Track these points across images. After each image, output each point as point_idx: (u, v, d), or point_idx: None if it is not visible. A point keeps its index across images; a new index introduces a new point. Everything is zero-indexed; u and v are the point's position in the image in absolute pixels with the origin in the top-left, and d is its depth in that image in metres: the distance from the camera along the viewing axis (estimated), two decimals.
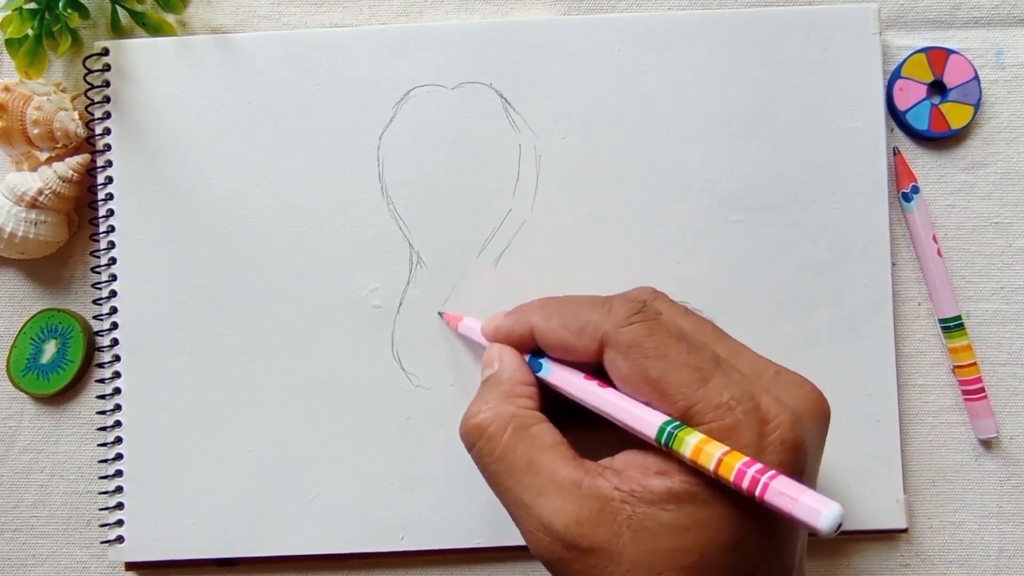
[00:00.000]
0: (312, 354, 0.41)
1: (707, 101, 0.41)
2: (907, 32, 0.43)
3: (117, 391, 0.41)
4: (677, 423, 0.29)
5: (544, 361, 0.35)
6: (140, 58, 0.42)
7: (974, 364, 0.42)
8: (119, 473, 0.41)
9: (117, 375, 0.41)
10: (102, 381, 0.42)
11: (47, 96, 0.41)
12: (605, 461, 0.31)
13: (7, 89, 0.41)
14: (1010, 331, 0.43)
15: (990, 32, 0.43)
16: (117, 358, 0.41)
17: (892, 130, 0.43)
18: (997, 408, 0.42)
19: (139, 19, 0.42)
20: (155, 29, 0.42)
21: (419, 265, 0.41)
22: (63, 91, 0.42)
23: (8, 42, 0.41)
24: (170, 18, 0.43)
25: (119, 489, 0.41)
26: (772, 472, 0.27)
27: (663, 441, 0.29)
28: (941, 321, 0.42)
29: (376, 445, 0.41)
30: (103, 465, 0.42)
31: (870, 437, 0.41)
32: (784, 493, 0.26)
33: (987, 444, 0.42)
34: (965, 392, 0.42)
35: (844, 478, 0.41)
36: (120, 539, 0.41)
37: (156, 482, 0.41)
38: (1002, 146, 0.43)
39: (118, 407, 0.41)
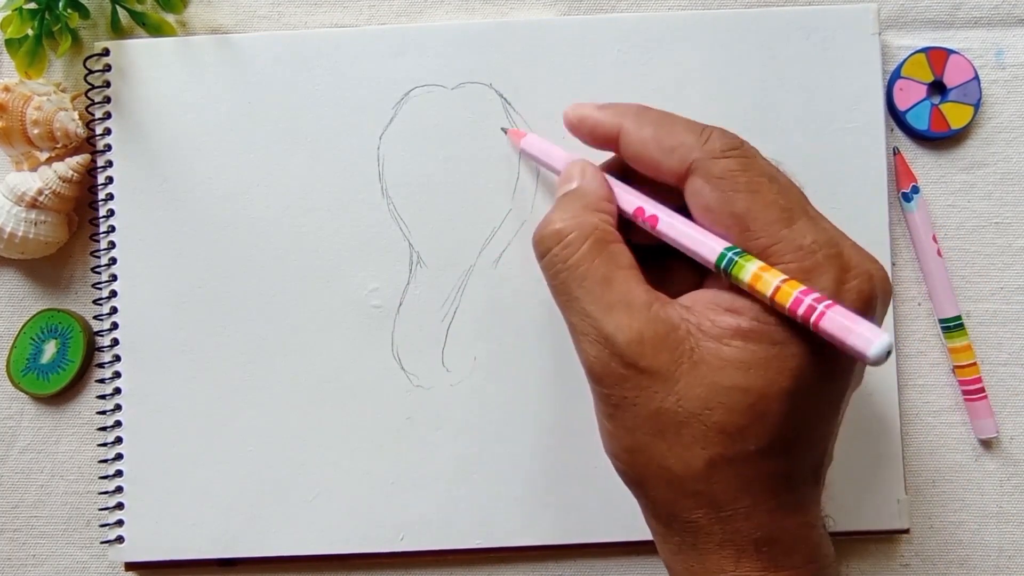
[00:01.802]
0: (312, 354, 0.41)
1: (707, 101, 0.41)
2: (907, 32, 0.43)
3: (117, 391, 0.41)
4: (739, 251, 0.29)
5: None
6: (140, 58, 0.42)
7: (974, 364, 0.42)
8: (119, 473, 0.41)
9: (117, 375, 0.41)
10: (102, 381, 0.42)
11: (47, 96, 0.41)
12: (679, 299, 0.30)
13: (7, 89, 0.41)
14: (1010, 331, 0.43)
15: (990, 32, 0.43)
16: (117, 358, 0.41)
17: (892, 130, 0.43)
18: (997, 408, 0.42)
19: (139, 19, 0.42)
20: (155, 29, 0.42)
21: (419, 265, 0.41)
22: (63, 91, 0.42)
23: (8, 42, 0.41)
24: (170, 18, 0.43)
25: (119, 489, 0.41)
26: (829, 301, 0.26)
27: (722, 266, 0.29)
28: (941, 321, 0.42)
29: (376, 445, 0.41)
30: (103, 465, 0.42)
31: (870, 437, 0.41)
32: (840, 321, 0.26)
33: (987, 444, 0.42)
34: (965, 392, 0.42)
35: (844, 478, 0.41)
36: (120, 539, 0.41)
37: (156, 482, 0.41)
38: (1002, 146, 0.43)
39: (118, 407, 0.41)
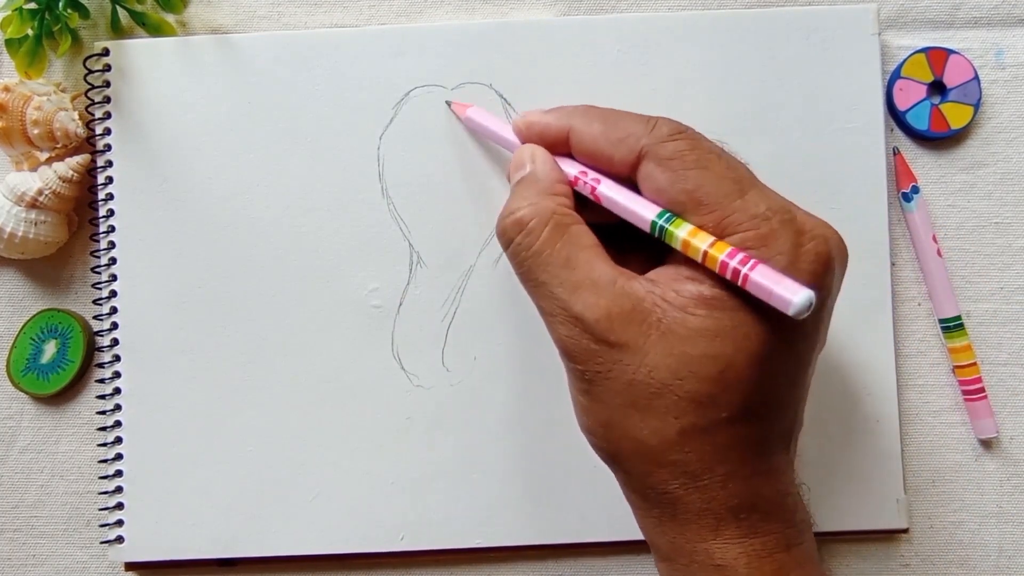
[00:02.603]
0: (312, 354, 0.41)
1: (707, 101, 0.41)
2: (907, 32, 0.43)
3: (117, 391, 0.41)
4: (670, 216, 0.30)
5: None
6: (140, 58, 0.42)
7: (974, 364, 0.42)
8: (119, 473, 0.41)
9: (117, 375, 0.41)
10: (102, 381, 0.42)
11: (47, 96, 0.41)
12: (646, 275, 0.31)
13: (7, 89, 0.41)
14: (1010, 331, 0.43)
15: (990, 32, 0.43)
16: (117, 358, 0.41)
17: (892, 130, 0.43)
18: (997, 408, 0.42)
19: (139, 19, 0.42)
20: (155, 29, 0.42)
21: (419, 265, 0.41)
22: (63, 91, 0.42)
23: (8, 42, 0.41)
24: (170, 18, 0.43)
25: (119, 489, 0.41)
26: (754, 262, 0.28)
27: (656, 232, 0.30)
28: (941, 321, 0.42)
29: (376, 445, 0.41)
30: (103, 465, 0.42)
31: (870, 437, 0.41)
32: (763, 279, 0.27)
33: (987, 444, 0.42)
34: (965, 392, 0.42)
35: (844, 478, 0.41)
36: (120, 539, 0.41)
37: (156, 482, 0.41)
38: (1002, 146, 0.43)
39: (118, 407, 0.41)
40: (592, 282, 0.30)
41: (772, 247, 0.28)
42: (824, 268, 0.29)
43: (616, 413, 0.30)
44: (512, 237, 0.32)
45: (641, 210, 0.31)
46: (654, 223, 0.30)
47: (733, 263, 0.28)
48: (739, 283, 0.28)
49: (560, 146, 0.34)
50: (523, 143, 0.36)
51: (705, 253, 0.29)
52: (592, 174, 0.33)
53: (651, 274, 0.31)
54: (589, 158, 0.33)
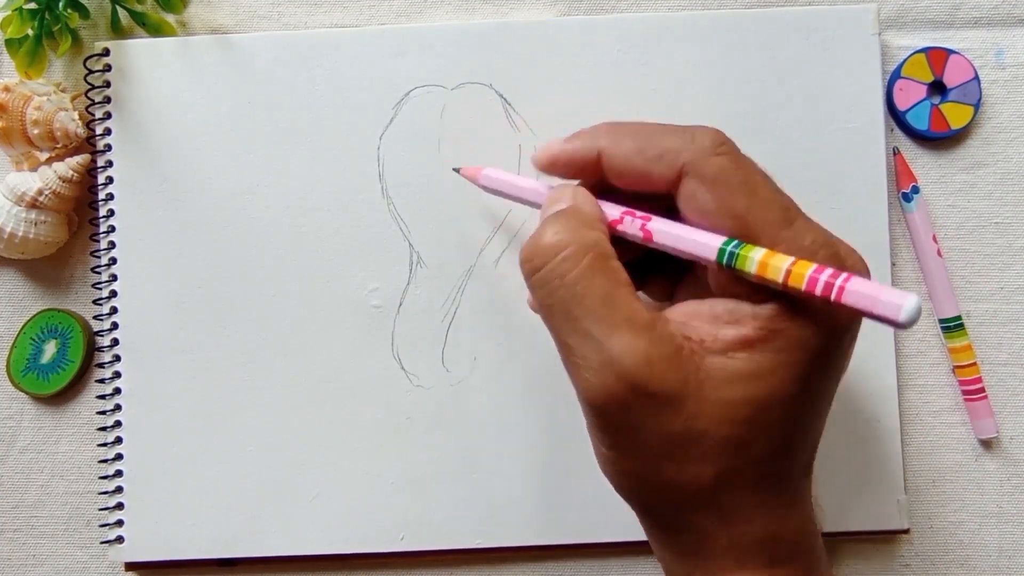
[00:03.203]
0: (312, 354, 0.41)
1: (707, 101, 0.41)
2: (907, 32, 0.43)
3: (117, 391, 0.41)
4: (738, 242, 0.28)
5: None
6: (140, 58, 0.42)
7: (974, 364, 0.42)
8: (119, 473, 0.41)
9: (117, 375, 0.41)
10: (102, 381, 0.42)
11: (47, 96, 0.41)
12: (665, 312, 0.29)
13: (7, 89, 0.41)
14: (1010, 331, 0.43)
15: (990, 32, 0.43)
16: (117, 358, 0.41)
17: (892, 130, 0.43)
18: (997, 408, 0.42)
19: (139, 19, 0.42)
20: (155, 29, 0.42)
21: (419, 265, 0.41)
22: (63, 91, 0.42)
23: (8, 42, 0.41)
24: (170, 18, 0.43)
25: (119, 489, 0.41)
26: (846, 275, 0.25)
27: (724, 260, 0.28)
28: (941, 321, 0.42)
29: (376, 445, 0.41)
30: (103, 465, 0.42)
31: (870, 437, 0.41)
32: (863, 290, 0.25)
33: (987, 444, 0.42)
34: (965, 392, 0.42)
35: (844, 478, 0.41)
36: (120, 539, 0.41)
37: (156, 482, 0.41)
38: (1002, 146, 0.43)
39: (118, 407, 0.41)
40: (631, 322, 0.27)
41: None
42: None
43: (647, 465, 0.28)
44: (545, 261, 0.29)
45: (706, 239, 0.28)
46: (722, 250, 0.28)
47: (823, 277, 0.26)
48: (832, 297, 0.26)
49: (590, 173, 0.32)
50: (550, 174, 0.33)
51: (788, 271, 0.26)
52: (639, 212, 0.30)
53: (679, 313, 0.29)
54: (625, 180, 0.31)
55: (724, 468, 0.28)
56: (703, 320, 0.28)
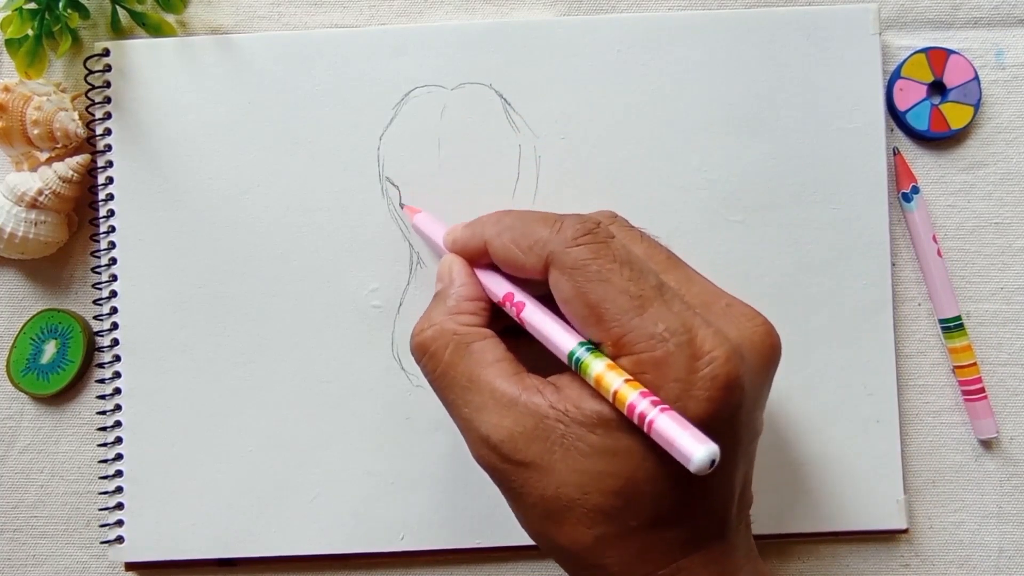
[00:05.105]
0: (312, 354, 0.41)
1: (707, 101, 0.41)
2: (907, 32, 0.43)
3: (117, 391, 0.41)
4: (589, 347, 0.30)
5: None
6: (140, 58, 0.42)
7: (974, 364, 0.42)
8: (119, 473, 0.41)
9: (117, 375, 0.41)
10: (102, 381, 0.42)
11: (47, 96, 0.41)
12: (552, 378, 0.31)
13: (7, 89, 0.41)
14: (1010, 331, 0.43)
15: (990, 32, 0.43)
16: (117, 358, 0.41)
17: (892, 130, 0.43)
18: (997, 408, 0.42)
19: (139, 19, 0.42)
20: (155, 29, 0.42)
21: (419, 265, 0.41)
22: (63, 91, 0.42)
23: (8, 42, 0.41)
24: (170, 18, 0.43)
25: (119, 489, 0.41)
26: (660, 408, 0.27)
27: (573, 366, 0.30)
28: (941, 321, 0.42)
29: (376, 445, 0.41)
30: (103, 465, 0.42)
31: (870, 437, 0.41)
32: (665, 431, 0.27)
33: (987, 444, 0.42)
34: (965, 392, 0.42)
35: (844, 478, 0.41)
36: (120, 539, 0.41)
37: (156, 482, 0.41)
38: (1002, 146, 0.43)
39: (118, 407, 0.41)
40: (495, 401, 0.30)
41: (666, 373, 0.28)
42: (724, 391, 0.28)
43: (536, 523, 0.30)
44: (419, 358, 0.33)
45: (559, 341, 0.31)
46: (571, 354, 0.30)
47: (640, 408, 0.27)
48: (645, 430, 0.27)
49: (483, 257, 0.34)
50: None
51: (615, 393, 0.28)
52: (519, 296, 0.33)
53: (561, 380, 0.31)
54: (506, 267, 0.33)
55: (601, 534, 0.29)
56: (573, 391, 0.30)
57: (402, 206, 0.41)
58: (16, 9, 0.40)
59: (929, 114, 0.42)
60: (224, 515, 0.41)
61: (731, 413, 0.29)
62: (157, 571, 0.42)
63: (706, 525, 0.30)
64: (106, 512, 0.41)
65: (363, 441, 0.41)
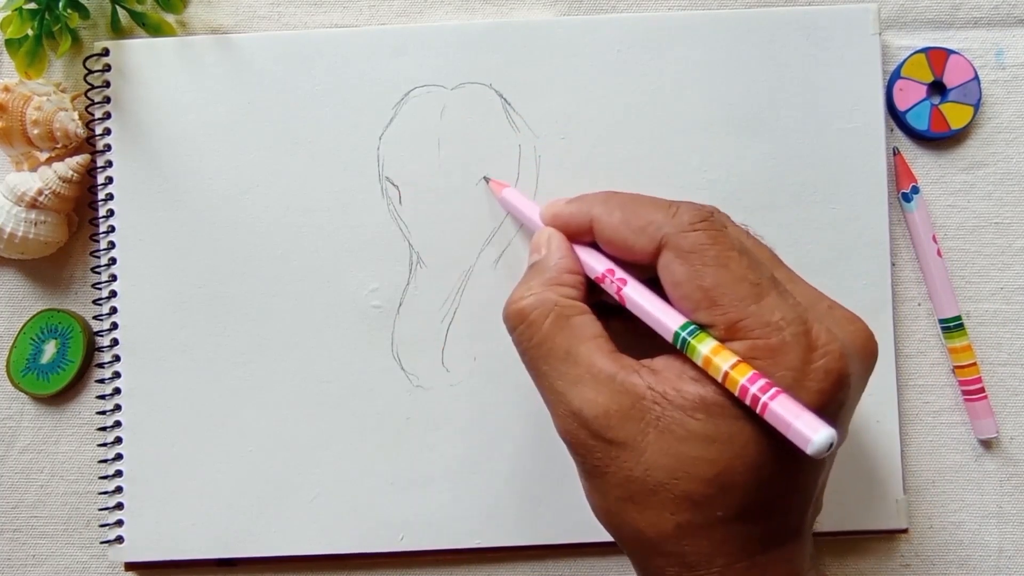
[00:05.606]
0: (312, 354, 0.41)
1: (707, 101, 0.41)
2: (907, 32, 0.43)
3: (117, 391, 0.41)
4: (695, 328, 0.29)
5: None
6: (140, 58, 0.42)
7: (974, 364, 0.42)
8: (119, 473, 0.41)
9: (117, 375, 0.41)
10: (102, 381, 0.42)
11: (47, 96, 0.41)
12: (645, 361, 0.30)
13: (7, 89, 0.41)
14: (1010, 331, 0.43)
15: (990, 32, 0.43)
16: (117, 358, 0.41)
17: (892, 130, 0.43)
18: (997, 408, 0.42)
19: (139, 19, 0.42)
20: (155, 29, 0.42)
21: (419, 265, 0.41)
22: (63, 91, 0.42)
23: (8, 42, 0.41)
24: (170, 18, 0.43)
25: (119, 489, 0.41)
26: (775, 390, 0.27)
27: (678, 345, 0.29)
28: (941, 321, 0.42)
29: (376, 445, 0.41)
30: (103, 465, 0.42)
31: (870, 437, 0.41)
32: (781, 413, 0.26)
33: (987, 444, 0.42)
34: (965, 392, 0.42)
35: (844, 478, 0.41)
36: (120, 539, 0.41)
37: (156, 482, 0.41)
38: (1002, 146, 0.43)
39: (118, 407, 0.41)
40: (592, 377, 0.30)
41: (780, 361, 0.28)
42: (835, 386, 0.28)
43: (614, 504, 0.30)
44: (515, 325, 0.32)
45: (665, 319, 0.30)
46: (677, 334, 0.29)
47: (753, 389, 0.27)
48: (758, 411, 0.27)
49: (585, 235, 0.34)
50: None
51: (726, 374, 0.28)
52: (620, 273, 0.32)
53: (658, 362, 0.30)
54: (612, 247, 0.33)
55: (684, 521, 0.29)
56: (673, 373, 0.29)
57: (487, 180, 0.41)
58: (16, 9, 0.40)
59: (929, 114, 0.42)
60: (224, 515, 0.41)
61: (837, 409, 0.29)
62: (157, 571, 0.42)
63: (786, 523, 0.30)
64: (106, 512, 0.41)
65: (363, 441, 0.41)
